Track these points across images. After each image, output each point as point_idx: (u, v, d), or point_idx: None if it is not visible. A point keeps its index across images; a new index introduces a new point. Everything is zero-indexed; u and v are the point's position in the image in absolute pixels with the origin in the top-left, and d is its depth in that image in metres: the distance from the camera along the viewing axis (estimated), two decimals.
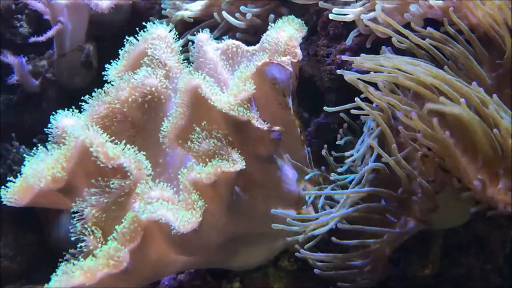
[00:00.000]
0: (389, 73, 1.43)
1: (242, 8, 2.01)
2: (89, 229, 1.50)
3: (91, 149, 1.51)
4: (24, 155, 1.61)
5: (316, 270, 1.55)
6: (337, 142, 1.77)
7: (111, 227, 1.49)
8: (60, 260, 1.50)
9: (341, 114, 1.73)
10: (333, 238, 1.50)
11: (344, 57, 1.56)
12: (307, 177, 1.72)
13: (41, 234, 2.33)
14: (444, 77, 1.38)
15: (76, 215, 1.53)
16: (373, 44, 1.71)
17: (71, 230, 1.52)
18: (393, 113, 1.49)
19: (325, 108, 1.66)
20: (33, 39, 2.26)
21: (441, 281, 1.63)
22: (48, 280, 1.47)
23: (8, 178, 1.58)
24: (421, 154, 1.40)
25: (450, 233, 1.61)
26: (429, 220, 1.46)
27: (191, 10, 2.17)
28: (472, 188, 1.33)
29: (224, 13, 2.04)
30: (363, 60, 1.50)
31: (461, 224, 1.56)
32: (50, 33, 2.24)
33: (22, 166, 1.57)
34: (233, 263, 1.72)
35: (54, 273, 1.46)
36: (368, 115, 1.56)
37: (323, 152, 1.74)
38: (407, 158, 1.46)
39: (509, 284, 1.60)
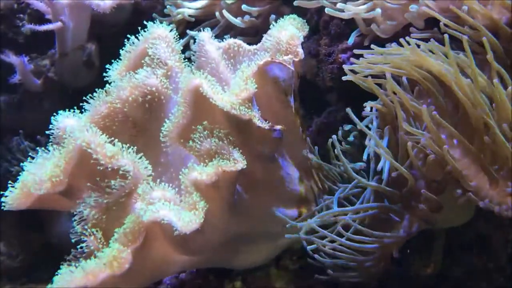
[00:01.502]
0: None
1: (243, 6, 2.00)
2: (89, 230, 1.50)
3: (89, 151, 1.50)
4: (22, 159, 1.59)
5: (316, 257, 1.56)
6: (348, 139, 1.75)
7: (112, 228, 1.48)
8: (61, 260, 1.50)
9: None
10: (341, 229, 1.50)
11: (353, 61, 1.55)
12: (310, 155, 1.69)
13: (43, 233, 2.34)
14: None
15: (76, 217, 1.52)
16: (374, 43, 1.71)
17: (72, 232, 1.52)
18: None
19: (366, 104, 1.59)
20: (28, 26, 2.26)
21: (443, 281, 1.63)
22: (49, 279, 1.46)
23: (9, 181, 1.57)
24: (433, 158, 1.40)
25: (452, 233, 1.61)
26: (433, 220, 1.46)
27: (192, 9, 2.16)
28: (470, 190, 1.33)
29: (224, 12, 2.03)
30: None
31: (463, 223, 1.56)
32: (47, 27, 2.23)
33: (22, 169, 1.56)
34: (235, 262, 1.72)
35: (55, 273, 1.46)
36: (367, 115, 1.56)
37: (334, 136, 1.71)
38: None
39: None
